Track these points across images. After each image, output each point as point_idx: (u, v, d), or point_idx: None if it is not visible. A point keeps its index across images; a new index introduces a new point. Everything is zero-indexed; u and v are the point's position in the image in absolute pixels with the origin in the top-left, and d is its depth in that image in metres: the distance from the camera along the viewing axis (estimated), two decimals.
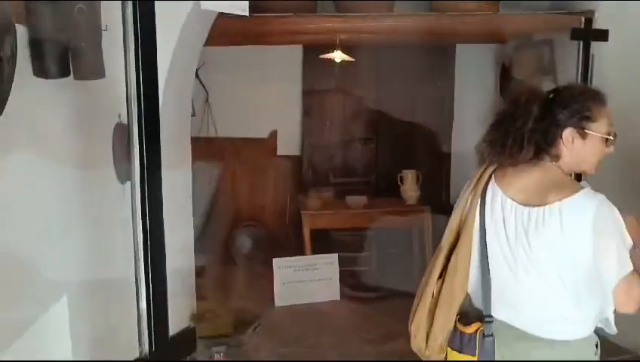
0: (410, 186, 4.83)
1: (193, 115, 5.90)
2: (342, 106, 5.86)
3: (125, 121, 2.56)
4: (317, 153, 5.89)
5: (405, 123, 5.81)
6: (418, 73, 5.76)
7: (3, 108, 1.21)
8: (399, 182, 4.89)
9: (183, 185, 3.51)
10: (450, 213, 1.88)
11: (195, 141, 5.98)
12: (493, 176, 1.78)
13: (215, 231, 5.85)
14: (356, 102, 5.84)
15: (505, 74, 5.04)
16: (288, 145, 5.98)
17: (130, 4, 1.41)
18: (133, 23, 1.40)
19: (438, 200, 5.58)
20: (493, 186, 1.76)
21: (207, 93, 5.83)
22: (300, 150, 5.96)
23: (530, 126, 1.68)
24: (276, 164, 6.01)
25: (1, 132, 1.36)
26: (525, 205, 1.68)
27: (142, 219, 1.50)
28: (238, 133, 5.95)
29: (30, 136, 1.63)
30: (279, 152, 6.01)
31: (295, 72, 5.88)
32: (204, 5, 1.80)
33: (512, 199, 1.71)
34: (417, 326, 1.81)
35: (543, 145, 1.71)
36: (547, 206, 1.64)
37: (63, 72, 1.54)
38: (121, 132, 2.37)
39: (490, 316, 1.75)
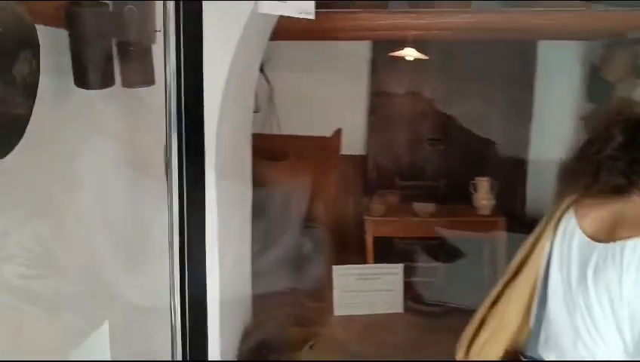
0: (484, 195, 4.49)
1: (257, 110, 5.79)
2: (410, 105, 5.56)
3: None
4: (383, 153, 5.63)
5: (478, 125, 5.44)
6: (494, 72, 5.37)
7: (22, 132, 1.03)
8: (472, 190, 4.56)
9: (240, 195, 3.32)
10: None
11: (258, 137, 5.92)
12: (573, 204, 1.60)
13: (272, 231, 5.71)
14: (425, 101, 5.53)
15: (594, 75, 4.59)
16: (353, 144, 5.75)
17: (171, 4, 1.21)
18: (176, 25, 1.20)
19: (513, 211, 5.20)
20: (569, 215, 1.58)
21: (272, 89, 5.66)
22: (364, 149, 5.72)
23: (610, 153, 1.46)
24: (340, 164, 5.78)
25: (33, 152, 1.19)
26: (593, 239, 1.47)
27: (179, 249, 1.32)
28: (301, 130, 5.77)
29: (68, 154, 1.47)
30: (343, 151, 5.78)
31: (362, 69, 5.63)
32: (263, 8, 1.59)
33: (583, 231, 1.50)
34: (461, 346, 1.72)
35: (630, 177, 1.45)
36: (616, 242, 1.39)
37: (107, 82, 1.37)
38: None
39: (527, 356, 1.62)
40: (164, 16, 1.23)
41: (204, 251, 1.47)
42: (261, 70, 5.70)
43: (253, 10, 2.55)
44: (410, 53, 4.19)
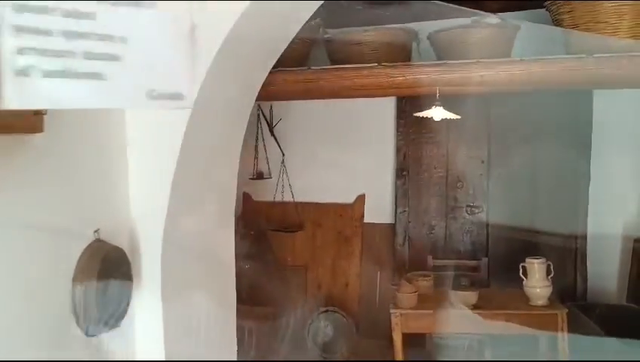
0: (537, 282, 3.64)
1: (269, 177, 5.14)
2: (443, 166, 4.81)
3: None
4: (413, 224, 4.84)
5: (524, 189, 4.63)
6: (541, 126, 4.59)
7: None
8: (522, 275, 3.71)
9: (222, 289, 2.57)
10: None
11: (271, 206, 5.26)
12: None
13: (287, 317, 4.94)
14: (462, 162, 4.76)
15: None
16: (378, 211, 5.00)
17: None
18: None
19: (571, 296, 4.32)
20: None
21: (284, 154, 4.99)
22: (392, 217, 4.95)
23: None
24: (363, 234, 5.03)
25: None
26: None
27: None
28: (318, 197, 5.07)
29: None
30: (367, 219, 5.04)
31: (387, 127, 4.94)
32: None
33: None
34: None
35: None
36: None
37: None
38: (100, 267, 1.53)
39: None
40: None
41: None
42: (271, 133, 5.09)
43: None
44: (438, 114, 3.46)
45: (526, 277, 3.69)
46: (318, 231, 5.10)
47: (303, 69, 2.99)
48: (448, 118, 3.56)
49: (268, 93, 3.03)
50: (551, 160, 4.60)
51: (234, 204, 2.57)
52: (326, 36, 3.53)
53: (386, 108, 4.86)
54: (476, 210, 4.75)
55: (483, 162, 4.74)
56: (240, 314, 4.58)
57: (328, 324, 4.84)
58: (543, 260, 3.67)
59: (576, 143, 4.49)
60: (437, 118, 3.56)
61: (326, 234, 5.09)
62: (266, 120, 5.04)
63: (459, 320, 3.59)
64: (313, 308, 4.91)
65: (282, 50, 2.20)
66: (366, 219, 5.05)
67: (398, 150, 4.87)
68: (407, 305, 3.65)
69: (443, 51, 3.36)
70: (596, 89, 4.10)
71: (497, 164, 4.73)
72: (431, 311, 3.62)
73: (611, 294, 4.48)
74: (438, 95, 3.50)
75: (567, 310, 3.56)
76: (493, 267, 4.61)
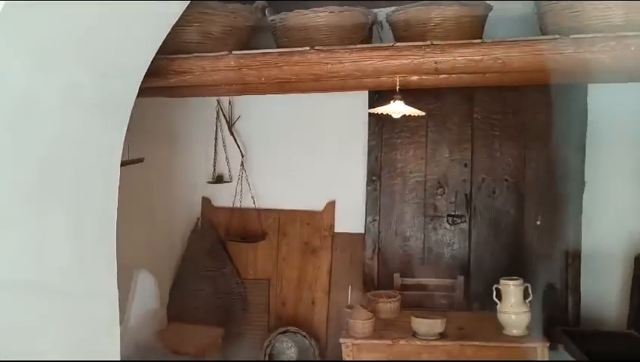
0: (513, 307, 3.08)
1: (229, 180, 4.64)
2: (421, 170, 4.26)
3: None
4: (384, 233, 4.31)
5: (512, 197, 4.07)
6: (531, 126, 4.03)
7: None
8: (495, 299, 3.16)
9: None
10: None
11: (231, 213, 4.75)
12: None
13: (245, 336, 4.43)
14: (441, 165, 4.21)
15: None
16: (350, 220, 4.46)
17: None
18: None
19: (562, 321, 3.76)
20: None
21: (243, 155, 4.49)
22: (364, 227, 4.41)
23: None
24: (333, 245, 4.50)
25: None
26: None
27: None
28: (283, 203, 4.55)
29: None
30: (338, 229, 4.51)
31: (359, 126, 4.38)
32: None
33: None
34: None
35: None
36: None
37: None
38: None
39: None
40: None
41: None
42: (230, 132, 4.58)
43: None
44: (397, 109, 2.91)
45: (500, 301, 3.13)
46: (282, 241, 4.59)
47: (223, 55, 2.48)
48: (410, 114, 3.02)
49: (184, 82, 2.54)
50: (541, 163, 4.04)
51: (114, 201, 2.08)
52: (270, 19, 3.02)
53: (357, 103, 4.31)
54: (458, 220, 4.19)
55: (466, 166, 4.18)
56: (192, 334, 4.09)
57: (290, 346, 4.33)
58: (519, 281, 3.11)
59: (569, 144, 3.92)
60: (396, 115, 3.03)
61: (291, 244, 4.57)
62: (224, 117, 4.54)
63: (420, 353, 3.05)
64: (273, 328, 4.40)
65: (164, 33, 1.71)
66: (337, 229, 4.52)
67: (369, 151, 4.33)
68: (361, 334, 3.11)
69: (401, 35, 2.83)
70: (576, 81, 3.51)
71: (482, 168, 4.17)
72: (389, 341, 3.08)
73: (609, 319, 3.90)
74: (397, 87, 2.98)
75: (548, 343, 2.99)
76: (475, 286, 4.06)
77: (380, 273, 4.23)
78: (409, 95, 3.88)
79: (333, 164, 4.43)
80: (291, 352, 4.36)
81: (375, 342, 3.09)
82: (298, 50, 2.43)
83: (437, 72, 2.33)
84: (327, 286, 4.48)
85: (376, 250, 4.29)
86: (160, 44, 1.98)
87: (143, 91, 2.17)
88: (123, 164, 3.32)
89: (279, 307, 4.54)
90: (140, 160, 3.60)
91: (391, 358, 3.06)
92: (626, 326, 3.74)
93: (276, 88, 3.49)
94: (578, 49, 2.22)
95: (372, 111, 3.05)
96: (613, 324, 3.89)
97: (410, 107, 2.98)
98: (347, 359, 3.08)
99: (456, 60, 2.29)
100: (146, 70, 2.03)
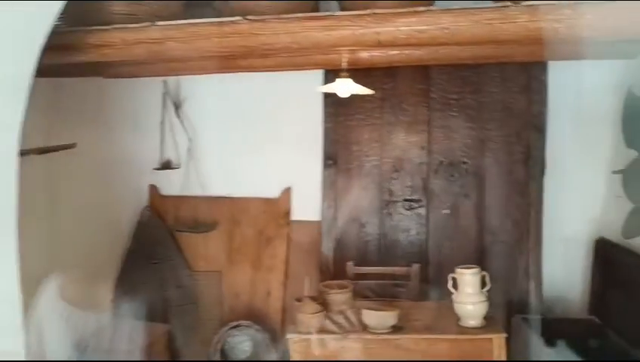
0: (469, 297, 2.92)
1: (177, 167, 4.37)
2: (377, 154, 4.07)
3: None
4: (340, 219, 4.11)
5: (470, 181, 3.92)
6: (489, 106, 3.87)
7: None
8: (451, 288, 2.99)
9: None
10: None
11: (180, 201, 4.50)
12: None
13: (197, 330, 4.21)
14: (397, 148, 4.03)
15: (632, 109, 3.04)
16: (307, 207, 4.25)
17: None
18: None
19: (523, 309, 3.63)
20: None
21: (190, 139, 4.23)
22: (321, 214, 4.20)
23: None
24: (289, 234, 4.29)
25: None
26: None
27: None
28: (236, 191, 4.32)
29: None
30: (294, 217, 4.29)
31: (314, 107, 4.15)
32: None
33: None
34: None
35: None
36: None
37: None
38: None
39: None
40: None
41: None
42: (176, 115, 4.32)
43: None
44: (343, 88, 2.70)
45: (456, 291, 2.96)
46: (235, 231, 4.35)
47: (145, 25, 2.23)
48: (358, 93, 2.81)
49: (105, 56, 2.28)
50: (501, 145, 3.88)
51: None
52: None
53: (312, 83, 4.06)
54: (415, 205, 4.02)
55: (423, 148, 4.01)
56: (138, 331, 3.84)
57: (243, 340, 4.12)
58: (476, 270, 2.94)
59: (529, 125, 3.77)
60: (343, 94, 2.82)
61: (245, 233, 4.35)
62: (171, 99, 4.27)
63: (372, 347, 2.87)
64: (227, 321, 4.18)
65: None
66: (293, 217, 4.30)
67: (325, 134, 4.12)
68: (310, 328, 2.92)
69: (346, 5, 2.60)
70: (535, 57, 3.33)
71: (440, 150, 3.99)
72: (338, 336, 2.89)
73: (571, 305, 3.78)
74: (344, 63, 2.76)
75: (505, 334, 2.83)
76: (434, 273, 3.90)
77: (337, 261, 4.04)
78: (363, 74, 3.71)
79: (288, 148, 4.20)
80: (245, 346, 4.16)
81: (324, 336, 2.89)
82: (228, 21, 2.19)
83: (380, 44, 2.12)
84: (283, 277, 4.28)
85: (332, 238, 4.10)
86: (57, 13, 1.73)
87: (66, 70, 1.93)
88: (48, 150, 3.05)
89: (233, 299, 4.32)
90: (71, 146, 3.32)
91: (341, 353, 2.86)
92: (587, 312, 3.63)
93: (219, 66, 3.25)
94: (531, 18, 2.03)
95: (319, 90, 2.82)
96: (577, 310, 3.78)
97: (358, 85, 2.77)
98: (295, 354, 2.88)
99: (400, 30, 2.08)
100: (41, 44, 1.77)
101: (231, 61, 3.06)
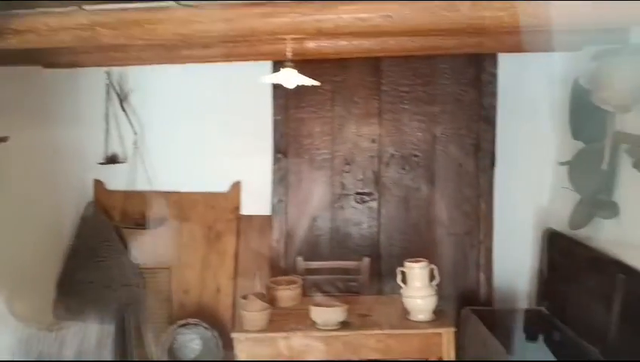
0: (418, 291, 2.88)
1: (123, 161, 4.21)
2: (328, 147, 4.00)
3: None
4: (291, 214, 4.04)
5: (421, 173, 3.89)
6: (439, 97, 3.84)
7: None
8: (400, 282, 2.95)
9: None
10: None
11: (127, 197, 4.35)
12: None
13: (145, 330, 4.07)
14: (348, 141, 3.97)
15: (580, 102, 3.05)
16: (257, 201, 4.15)
17: None
18: None
19: (474, 300, 3.63)
20: None
21: (136, 133, 4.08)
22: (271, 208, 4.12)
23: None
24: (239, 229, 4.18)
25: None
26: None
27: None
28: (184, 185, 4.18)
29: None
30: (244, 211, 4.19)
31: (264, 99, 4.04)
32: None
33: None
34: None
35: None
36: None
37: None
38: None
39: None
40: None
41: None
42: (122, 108, 4.15)
43: None
44: (287, 78, 2.61)
45: (405, 285, 2.92)
46: (184, 226, 4.22)
47: (71, 10, 2.09)
48: (303, 84, 2.73)
49: (27, 43, 2.13)
50: (451, 138, 3.87)
51: None
52: None
53: (262, 74, 3.95)
54: (367, 198, 3.97)
55: (374, 141, 3.96)
56: (80, 334, 3.68)
57: (193, 338, 4.01)
58: (424, 263, 2.91)
59: (478, 117, 3.76)
60: (288, 85, 2.73)
61: (194, 229, 4.22)
62: (115, 91, 4.10)
63: (319, 345, 2.80)
64: (176, 318, 4.06)
65: None
66: (243, 211, 4.20)
67: (274, 127, 4.02)
68: (255, 327, 2.83)
69: None
70: (484, 49, 3.31)
71: (391, 143, 3.96)
72: (285, 334, 2.81)
73: (521, 296, 3.80)
74: (289, 53, 2.67)
75: (454, 328, 2.81)
76: (386, 267, 3.86)
77: (288, 256, 3.97)
78: (314, 66, 3.63)
79: (238, 141, 4.09)
80: (195, 344, 4.05)
81: (270, 334, 2.82)
82: (161, 6, 2.07)
83: (320, 32, 2.04)
84: (233, 273, 4.18)
85: (283, 233, 4.01)
86: None
87: None
88: None
89: (182, 296, 4.19)
90: (3, 139, 3.13)
91: (288, 351, 2.79)
92: (536, 303, 3.66)
93: (160, 56, 3.12)
94: (474, 5, 1.98)
95: (263, 80, 2.73)
96: (527, 301, 3.80)
97: (303, 76, 2.68)
98: (240, 354, 2.79)
99: (341, 18, 2.00)
100: None
101: (172, 51, 2.93)
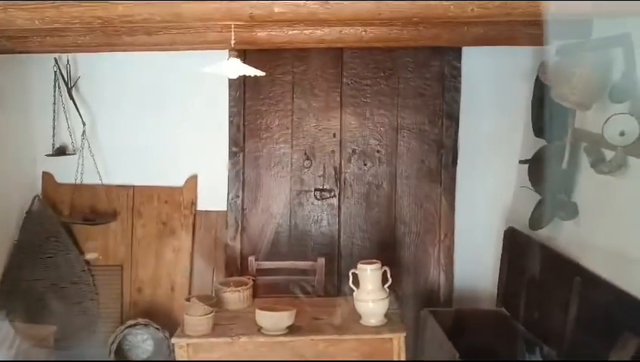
0: (369, 294, 2.75)
1: (73, 153, 4.02)
2: (287, 141, 3.85)
3: None
4: (248, 210, 3.89)
5: (383, 170, 3.76)
6: (402, 91, 3.71)
7: None
8: (351, 285, 2.82)
9: None
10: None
11: (77, 190, 4.15)
12: None
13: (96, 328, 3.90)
14: (308, 136, 3.82)
15: (540, 96, 2.93)
16: (214, 196, 3.98)
17: None
18: None
19: (434, 301, 3.52)
20: None
21: (84, 123, 3.88)
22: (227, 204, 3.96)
23: None
24: (195, 225, 4.02)
25: None
26: None
27: None
28: (137, 179, 4.00)
29: None
30: (200, 207, 4.02)
31: (221, 90, 3.87)
32: None
33: None
34: None
35: None
36: None
37: None
38: None
39: None
40: None
41: None
42: (70, 95, 3.95)
43: None
44: (232, 68, 2.45)
45: (357, 288, 2.79)
46: (137, 222, 4.05)
47: None
48: (248, 74, 2.57)
49: None
50: (414, 133, 3.74)
51: None
52: None
53: (217, 63, 3.78)
54: (327, 195, 3.83)
55: (335, 136, 3.81)
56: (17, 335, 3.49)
57: (145, 339, 3.85)
58: (377, 265, 2.78)
59: (441, 113, 3.63)
60: (232, 75, 2.57)
61: (147, 225, 4.05)
62: (63, 78, 3.89)
63: (264, 351, 2.66)
64: (128, 317, 3.89)
65: None
66: (199, 207, 4.03)
67: (230, 120, 3.85)
68: (197, 332, 2.68)
69: None
70: (447, 43, 3.17)
71: (352, 138, 3.81)
72: (229, 339, 2.66)
73: (482, 296, 3.70)
74: (233, 41, 2.50)
75: (404, 333, 2.69)
76: (346, 266, 3.73)
77: (244, 255, 3.82)
78: (273, 56, 3.48)
79: (193, 133, 3.92)
80: (147, 345, 3.89)
81: (212, 340, 2.67)
82: None
83: (252, 19, 1.88)
84: (189, 271, 4.01)
85: (239, 230, 3.86)
86: None
87: None
88: None
89: (135, 294, 4.03)
90: None
91: (232, 358, 2.65)
92: (496, 304, 3.56)
93: (100, 42, 2.93)
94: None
95: (204, 70, 2.56)
96: (488, 301, 3.70)
97: (247, 66, 2.52)
98: (181, 360, 2.64)
99: (275, 4, 1.85)
100: None
101: (113, 37, 2.75)
